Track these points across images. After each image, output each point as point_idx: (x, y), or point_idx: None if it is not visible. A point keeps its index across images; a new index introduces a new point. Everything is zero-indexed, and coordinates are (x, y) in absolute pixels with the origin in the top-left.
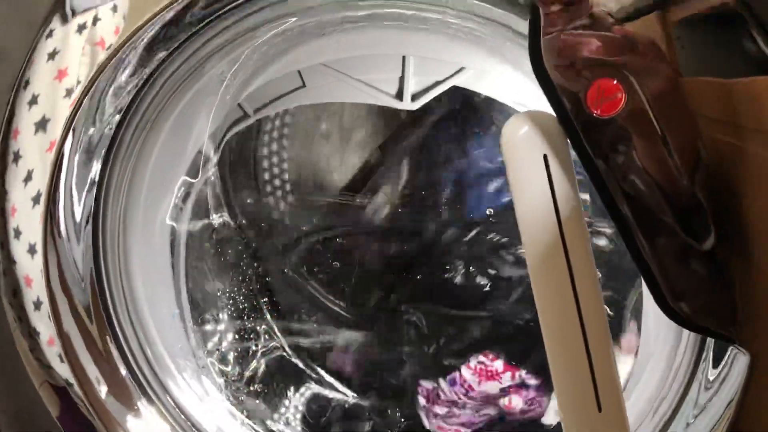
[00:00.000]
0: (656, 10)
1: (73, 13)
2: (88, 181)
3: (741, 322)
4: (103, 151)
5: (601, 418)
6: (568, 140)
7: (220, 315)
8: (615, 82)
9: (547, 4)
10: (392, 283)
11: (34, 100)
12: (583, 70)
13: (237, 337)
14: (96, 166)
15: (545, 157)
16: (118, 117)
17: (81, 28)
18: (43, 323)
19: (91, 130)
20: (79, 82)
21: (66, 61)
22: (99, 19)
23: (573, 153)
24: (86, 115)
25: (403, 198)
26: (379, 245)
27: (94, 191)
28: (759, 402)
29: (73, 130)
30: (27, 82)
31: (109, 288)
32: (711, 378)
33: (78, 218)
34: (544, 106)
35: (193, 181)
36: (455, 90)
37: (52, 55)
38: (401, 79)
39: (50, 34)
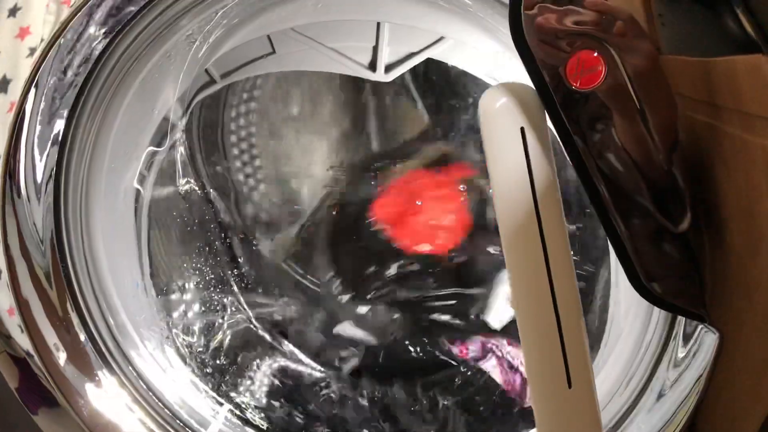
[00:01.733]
0: None
1: None
2: (50, 139)
3: (711, 302)
4: (66, 111)
5: (571, 394)
6: (546, 114)
7: (186, 285)
8: (595, 54)
9: None
10: (362, 255)
11: None
12: (563, 42)
13: (202, 308)
14: (59, 125)
15: (522, 130)
16: (83, 76)
17: None
18: (2, 293)
19: (54, 89)
20: (42, 41)
21: (29, 19)
22: None
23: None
24: (49, 72)
25: (372, 169)
26: (346, 217)
27: (57, 150)
28: (727, 381)
29: (36, 87)
30: None
31: (70, 252)
32: (680, 356)
33: (39, 178)
34: (522, 80)
35: (158, 149)
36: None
37: (13, 12)
38: (375, 49)
39: None
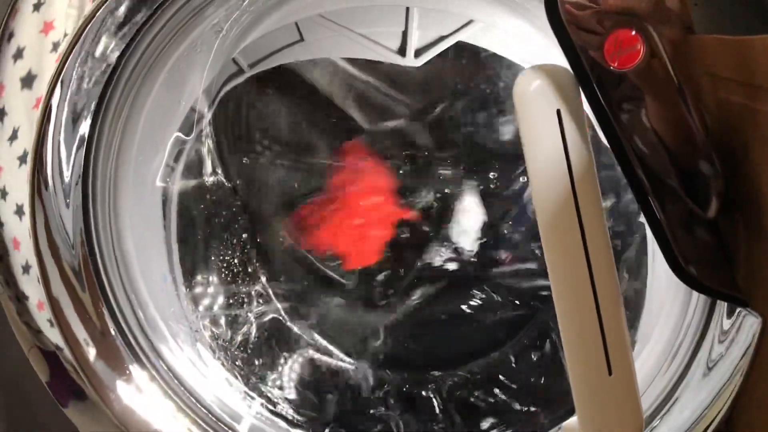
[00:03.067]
0: None
1: None
2: (77, 138)
3: (750, 286)
4: (93, 107)
5: (612, 381)
6: (583, 95)
7: (214, 278)
8: (633, 32)
9: None
10: (392, 248)
11: (19, 54)
12: (600, 21)
13: (230, 300)
14: (85, 123)
15: (558, 112)
16: (108, 70)
17: None
18: (32, 287)
19: (80, 85)
20: (66, 35)
21: (52, 14)
22: None
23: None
24: (74, 69)
25: (405, 158)
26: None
27: (84, 149)
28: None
29: (61, 84)
30: (11, 34)
31: (99, 249)
32: (725, 329)
33: (67, 177)
34: (554, 62)
35: (186, 138)
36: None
37: (37, 6)
38: (404, 34)
39: None
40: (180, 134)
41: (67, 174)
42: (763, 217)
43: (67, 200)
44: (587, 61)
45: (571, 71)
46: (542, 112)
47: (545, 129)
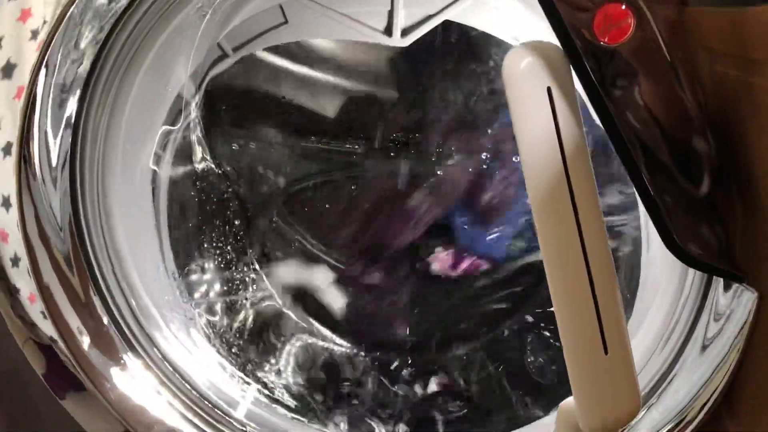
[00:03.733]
0: None
1: None
2: (63, 122)
3: (747, 261)
4: (78, 91)
5: (608, 360)
6: (573, 72)
7: (207, 265)
8: (623, 7)
9: None
10: (383, 230)
11: None
12: None
13: (225, 287)
14: (71, 107)
15: (549, 89)
16: (92, 56)
17: None
18: (23, 280)
19: (64, 70)
20: (45, 23)
21: (30, 1)
22: None
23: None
24: (57, 55)
25: (394, 141)
26: (369, 191)
27: (71, 133)
28: (763, 348)
29: (45, 71)
30: None
31: (89, 236)
32: (721, 307)
33: (54, 162)
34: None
35: (173, 128)
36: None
37: None
38: (390, 13)
39: None
40: (167, 122)
41: (54, 161)
42: (759, 192)
43: (55, 186)
44: (577, 37)
45: (561, 48)
46: (532, 90)
47: (536, 107)
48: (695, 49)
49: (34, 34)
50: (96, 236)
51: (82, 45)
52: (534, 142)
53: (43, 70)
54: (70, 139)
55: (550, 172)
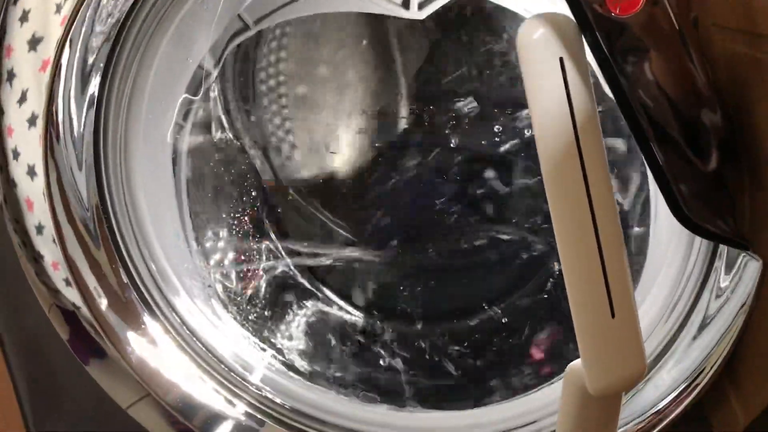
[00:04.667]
0: None
1: None
2: (88, 97)
3: (753, 231)
4: (102, 65)
5: (615, 324)
6: (585, 43)
7: (224, 234)
8: None
9: None
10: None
11: (24, 17)
12: None
13: (241, 255)
14: (95, 81)
15: (561, 60)
16: (115, 29)
17: None
18: (47, 248)
19: (87, 45)
20: None
21: None
22: None
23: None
24: (81, 30)
25: (410, 116)
26: (383, 165)
27: (94, 107)
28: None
29: (70, 44)
30: None
31: (112, 206)
32: (723, 285)
33: (78, 135)
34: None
35: (194, 97)
36: None
37: None
38: None
39: None
40: (188, 94)
41: (78, 131)
42: (765, 163)
43: (79, 157)
44: (589, 9)
45: (574, 19)
46: (545, 60)
47: (548, 77)
48: (706, 25)
49: (58, 7)
50: (119, 204)
51: (105, 19)
52: (546, 111)
53: (67, 46)
54: (94, 111)
55: (561, 140)
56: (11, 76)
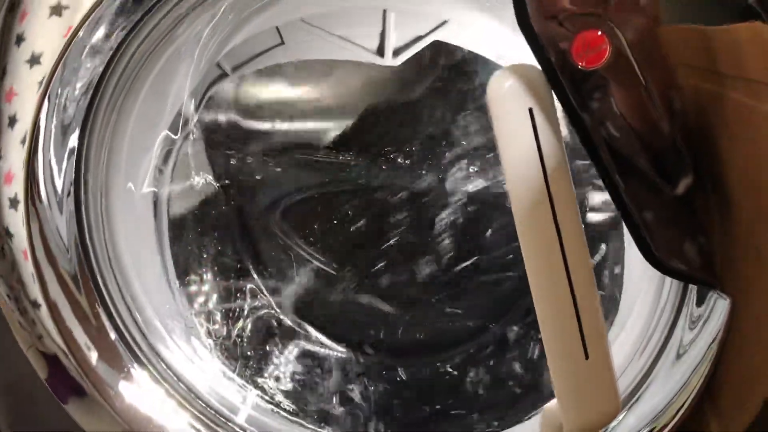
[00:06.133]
0: None
1: None
2: (67, 150)
3: (722, 269)
4: (81, 118)
5: (588, 365)
6: (554, 93)
7: (207, 275)
8: (599, 33)
9: None
10: (379, 239)
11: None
12: (566, 23)
13: (224, 296)
14: (74, 135)
15: (530, 110)
16: (93, 85)
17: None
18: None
19: (66, 100)
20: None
21: (33, 39)
22: None
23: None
24: (58, 87)
25: (388, 155)
26: (364, 202)
27: (74, 160)
28: (740, 347)
29: (48, 99)
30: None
31: (94, 254)
32: (696, 315)
33: (59, 188)
34: (528, 58)
35: (174, 141)
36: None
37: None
38: (382, 35)
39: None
40: (169, 135)
41: (59, 185)
42: (732, 200)
43: (61, 210)
44: (557, 62)
45: (541, 71)
46: (515, 111)
47: (518, 127)
48: (671, 65)
49: (32, 63)
50: (101, 253)
51: (83, 76)
52: (517, 161)
53: (45, 108)
54: (74, 162)
55: (532, 187)
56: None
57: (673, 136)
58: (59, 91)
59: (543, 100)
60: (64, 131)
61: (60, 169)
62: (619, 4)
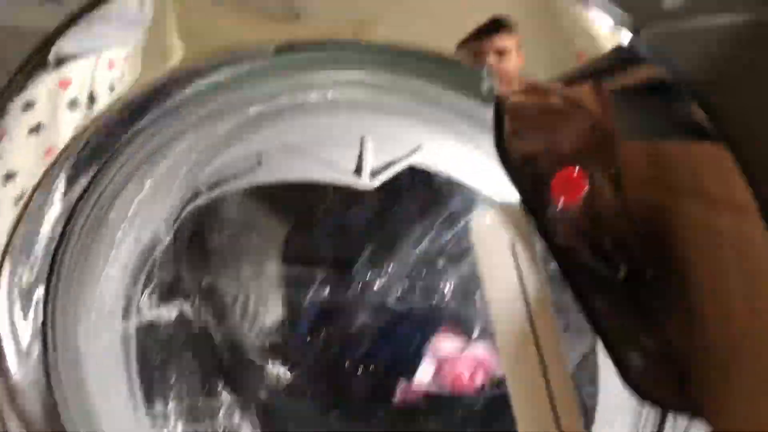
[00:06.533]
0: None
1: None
2: (33, 304)
3: (697, 389)
4: (47, 266)
5: None
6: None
7: (177, 400)
8: (577, 170)
9: (506, 96)
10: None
11: None
12: (546, 164)
13: (195, 418)
14: (39, 288)
15: (513, 246)
16: (54, 241)
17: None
18: None
19: (32, 246)
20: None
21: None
22: None
23: None
24: (19, 249)
25: (365, 284)
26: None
27: (41, 314)
28: None
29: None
30: None
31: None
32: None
33: (25, 345)
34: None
35: (143, 269)
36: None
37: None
38: (359, 157)
39: None
40: (138, 267)
41: (25, 341)
42: (697, 315)
43: (27, 369)
44: (537, 198)
45: (521, 208)
46: (497, 248)
47: (501, 264)
48: (639, 182)
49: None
50: (72, 405)
51: (50, 221)
52: (500, 296)
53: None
54: (41, 320)
55: (516, 325)
56: None
57: (647, 258)
58: (22, 242)
59: (525, 236)
60: (29, 291)
61: (26, 315)
62: (594, 142)
